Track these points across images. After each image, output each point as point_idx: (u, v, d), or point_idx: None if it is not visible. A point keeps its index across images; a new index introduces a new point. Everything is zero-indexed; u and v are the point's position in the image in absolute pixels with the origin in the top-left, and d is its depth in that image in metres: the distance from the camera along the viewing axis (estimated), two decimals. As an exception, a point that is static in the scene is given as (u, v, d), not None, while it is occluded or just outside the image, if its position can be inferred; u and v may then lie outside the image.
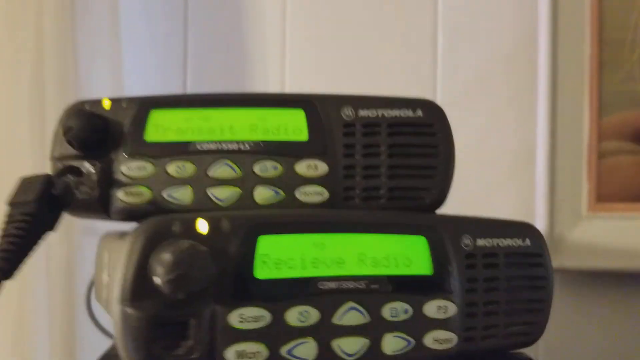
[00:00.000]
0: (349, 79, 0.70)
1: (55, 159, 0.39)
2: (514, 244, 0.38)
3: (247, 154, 0.39)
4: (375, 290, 0.35)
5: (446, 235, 0.36)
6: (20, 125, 0.59)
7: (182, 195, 0.38)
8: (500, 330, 0.38)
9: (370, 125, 0.40)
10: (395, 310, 0.35)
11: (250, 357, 0.32)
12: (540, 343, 0.66)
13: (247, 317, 0.32)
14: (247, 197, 0.39)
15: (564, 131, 0.66)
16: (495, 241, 0.37)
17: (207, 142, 0.39)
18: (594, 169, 0.66)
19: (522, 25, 0.68)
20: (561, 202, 0.66)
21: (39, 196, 0.37)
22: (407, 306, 0.35)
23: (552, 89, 0.66)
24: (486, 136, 0.68)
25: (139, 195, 0.38)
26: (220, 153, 0.39)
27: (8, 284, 0.35)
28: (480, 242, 0.37)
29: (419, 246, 0.36)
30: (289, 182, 0.39)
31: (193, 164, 0.39)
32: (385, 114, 0.40)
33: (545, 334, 0.66)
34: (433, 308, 0.36)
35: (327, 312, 0.34)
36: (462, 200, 0.68)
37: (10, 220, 0.37)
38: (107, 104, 0.40)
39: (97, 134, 0.39)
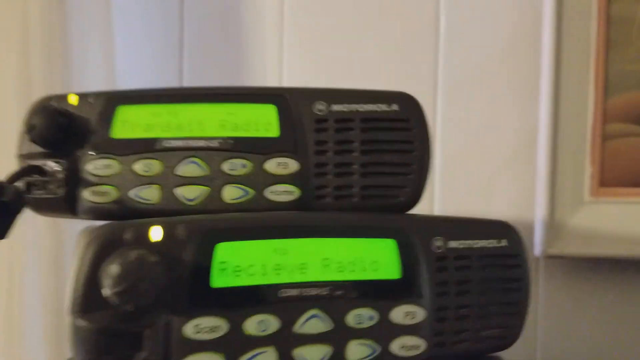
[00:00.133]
0: (348, 69, 0.68)
1: (21, 157, 0.39)
2: (489, 245, 0.36)
3: (215, 151, 0.38)
4: (339, 296, 0.34)
5: (416, 237, 0.35)
6: (5, 118, 0.58)
7: (149, 194, 0.38)
8: (473, 334, 0.36)
9: (343, 121, 0.38)
10: (360, 316, 0.34)
11: (207, 367, 0.31)
12: (539, 330, 0.66)
13: (202, 327, 0.31)
14: (215, 197, 0.38)
15: (567, 113, 0.64)
16: (468, 243, 0.36)
17: (175, 139, 0.38)
18: (597, 152, 0.64)
19: (526, 2, 0.65)
20: (563, 187, 0.64)
21: None
22: (372, 312, 0.34)
23: (556, 68, 0.63)
24: (488, 119, 0.66)
25: (106, 195, 0.38)
26: (188, 150, 0.38)
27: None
28: (453, 243, 0.36)
29: (387, 249, 0.35)
30: (258, 180, 0.38)
31: (160, 162, 0.38)
32: (359, 109, 0.38)
33: (545, 321, 0.65)
34: (400, 314, 0.35)
35: (287, 321, 0.33)
36: (463, 185, 0.66)
37: None
38: (73, 100, 0.39)
39: (62, 131, 0.38)
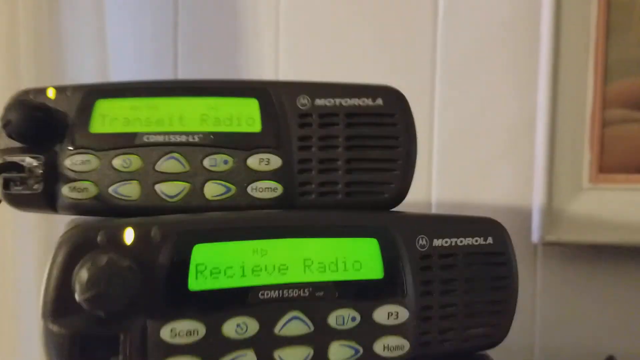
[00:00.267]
0: (344, 49, 0.67)
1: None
2: (474, 242, 0.36)
3: (196, 146, 0.37)
4: (320, 297, 0.33)
5: (400, 236, 0.34)
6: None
7: (129, 191, 0.37)
8: (459, 333, 0.36)
9: (327, 115, 0.37)
10: (341, 318, 0.33)
11: (184, 371, 0.31)
12: (537, 318, 0.65)
13: (179, 331, 0.31)
14: (197, 193, 0.37)
15: (565, 98, 0.62)
16: (453, 241, 0.35)
17: (155, 133, 0.37)
18: (596, 138, 0.62)
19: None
20: (561, 173, 0.63)
21: None
22: (354, 313, 0.33)
23: (555, 53, 0.62)
24: (485, 104, 0.65)
25: (85, 191, 0.37)
26: (168, 146, 0.37)
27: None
28: (437, 242, 0.35)
29: (370, 249, 0.34)
30: (240, 177, 0.37)
31: (139, 157, 0.37)
32: (343, 103, 0.37)
33: (543, 309, 0.64)
34: (383, 314, 0.34)
35: (267, 323, 0.32)
36: (460, 170, 0.65)
37: None
38: (51, 93, 0.38)
39: (39, 126, 0.37)
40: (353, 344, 0.33)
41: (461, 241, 0.35)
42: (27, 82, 0.57)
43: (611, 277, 0.64)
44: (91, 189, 0.37)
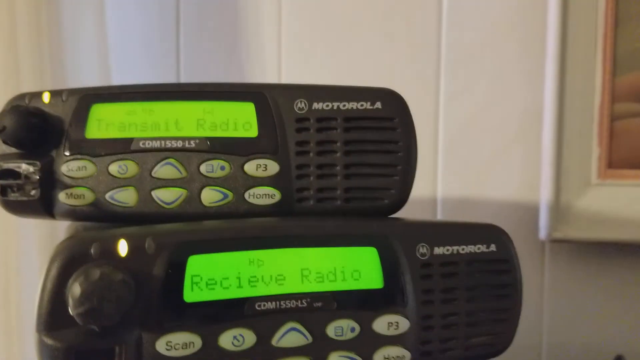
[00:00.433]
0: (347, 39, 0.66)
1: (-4, 158, 0.37)
2: (477, 250, 0.35)
3: (192, 152, 0.37)
4: (318, 308, 0.32)
5: (399, 244, 0.34)
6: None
7: (126, 197, 0.36)
8: (462, 342, 0.35)
9: (325, 120, 0.37)
10: (340, 328, 0.33)
11: (180, 385, 0.30)
12: (545, 315, 0.64)
13: (175, 343, 0.30)
14: (193, 200, 0.36)
15: (573, 92, 0.61)
16: (455, 248, 0.34)
17: (151, 139, 0.37)
18: (605, 132, 0.61)
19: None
20: (569, 169, 0.62)
21: None
22: (354, 324, 0.33)
23: (562, 45, 0.60)
24: (491, 98, 0.64)
25: (81, 197, 0.37)
26: (164, 151, 0.37)
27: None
28: (438, 250, 0.34)
29: (369, 258, 0.33)
30: (237, 183, 0.36)
31: (136, 163, 0.36)
32: (341, 107, 0.37)
33: (550, 306, 0.64)
34: (383, 324, 0.33)
35: (264, 335, 0.32)
36: (465, 165, 0.64)
37: None
38: (46, 98, 0.38)
39: (34, 132, 0.36)
40: (352, 355, 0.33)
41: (463, 249, 0.34)
42: (28, 82, 0.56)
43: (620, 275, 0.63)
44: (88, 196, 0.36)
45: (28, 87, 0.55)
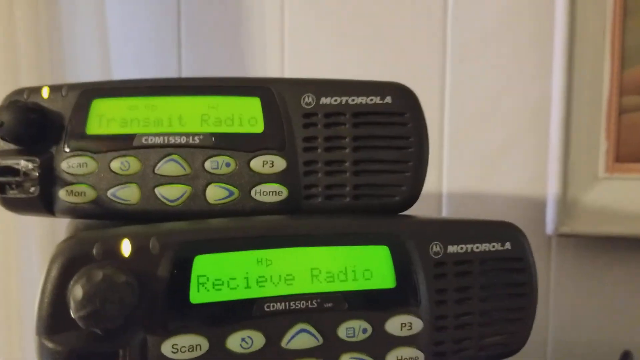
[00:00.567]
0: (352, 30, 0.64)
1: (-6, 155, 0.36)
2: (491, 248, 0.34)
3: (197, 148, 0.35)
4: (329, 308, 0.31)
5: (412, 243, 0.33)
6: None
7: (128, 194, 0.35)
8: (476, 342, 0.34)
9: (333, 115, 0.36)
10: (352, 329, 0.32)
11: (187, 388, 0.29)
12: (551, 309, 0.63)
13: (181, 346, 0.29)
14: (198, 197, 0.35)
15: (581, 85, 0.60)
16: (469, 247, 0.33)
17: (154, 134, 0.36)
18: (613, 126, 0.60)
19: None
20: (576, 162, 0.61)
21: None
22: (365, 324, 0.32)
23: (570, 38, 0.59)
24: (498, 91, 0.63)
25: (82, 195, 0.35)
26: (167, 147, 0.35)
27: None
28: (452, 248, 0.33)
29: (380, 257, 0.32)
30: (243, 180, 0.35)
31: (138, 160, 0.35)
32: (350, 102, 0.35)
33: (556, 301, 0.63)
34: (396, 325, 0.32)
35: (274, 336, 0.31)
36: (472, 158, 0.63)
37: None
38: (46, 93, 0.36)
39: (34, 128, 0.35)
40: (364, 356, 0.32)
41: (477, 247, 0.33)
42: (26, 76, 0.55)
43: (627, 270, 0.62)
44: (89, 193, 0.35)
45: (27, 82, 0.54)
